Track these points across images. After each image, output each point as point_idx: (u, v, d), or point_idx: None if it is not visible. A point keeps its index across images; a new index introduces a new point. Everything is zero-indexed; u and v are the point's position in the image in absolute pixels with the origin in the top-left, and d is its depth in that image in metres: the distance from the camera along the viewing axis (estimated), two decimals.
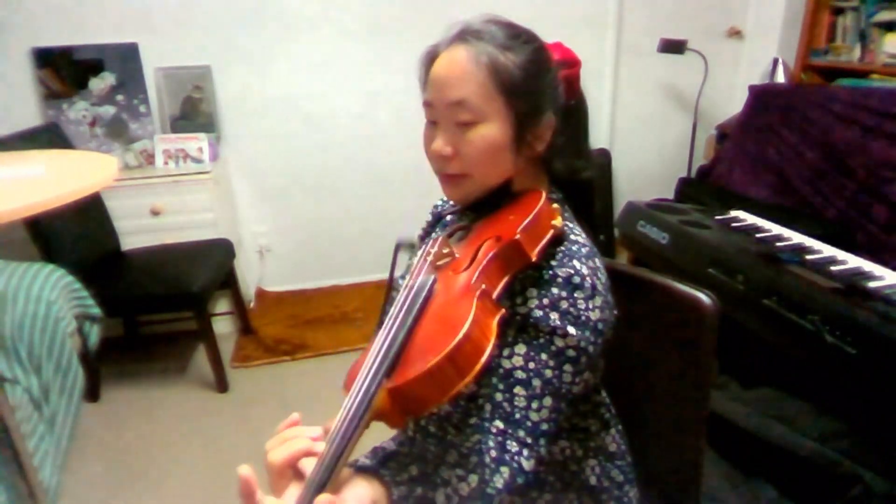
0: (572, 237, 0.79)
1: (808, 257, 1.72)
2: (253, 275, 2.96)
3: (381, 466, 0.70)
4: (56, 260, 1.86)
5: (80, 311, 1.81)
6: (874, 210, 2.04)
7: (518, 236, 0.69)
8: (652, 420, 0.99)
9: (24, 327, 1.61)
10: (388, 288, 0.83)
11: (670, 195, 2.83)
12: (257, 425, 2.08)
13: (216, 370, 2.25)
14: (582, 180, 0.87)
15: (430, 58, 0.81)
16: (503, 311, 0.63)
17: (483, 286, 0.64)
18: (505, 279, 0.69)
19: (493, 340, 0.59)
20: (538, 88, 0.78)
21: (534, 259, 0.70)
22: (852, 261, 1.71)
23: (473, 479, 0.66)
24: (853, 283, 1.52)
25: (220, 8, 2.55)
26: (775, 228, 1.98)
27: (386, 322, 0.66)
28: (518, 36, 0.78)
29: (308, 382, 2.29)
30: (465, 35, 0.77)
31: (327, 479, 0.56)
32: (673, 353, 0.97)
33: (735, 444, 1.56)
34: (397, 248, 0.81)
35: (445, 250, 0.74)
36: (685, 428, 0.97)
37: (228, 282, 2.50)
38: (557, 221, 0.76)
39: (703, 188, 2.70)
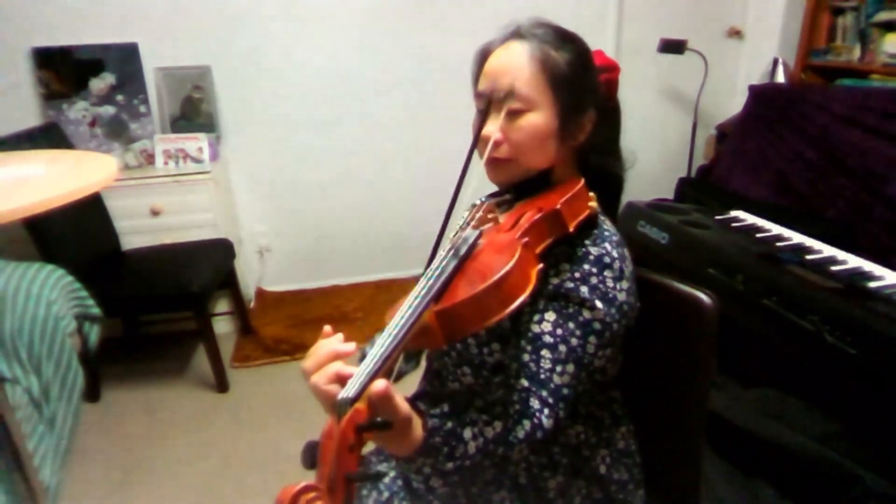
0: (605, 225, 0.86)
1: (808, 257, 1.71)
2: (253, 275, 2.96)
3: (416, 400, 0.74)
4: (56, 260, 1.85)
5: (80, 311, 1.81)
6: (874, 210, 2.03)
7: (559, 207, 0.75)
8: (652, 420, 0.99)
9: (24, 327, 1.61)
10: (450, 208, 0.86)
11: (670, 195, 2.83)
12: (257, 425, 2.08)
13: (216, 370, 2.25)
14: (614, 177, 0.93)
15: (484, 53, 0.89)
16: (542, 265, 0.67)
17: (526, 240, 0.69)
18: (544, 243, 0.74)
19: (532, 286, 0.64)
20: (583, 84, 0.85)
21: (571, 229, 0.76)
22: (852, 261, 1.71)
23: (498, 425, 0.71)
24: (853, 283, 1.52)
25: (220, 8, 2.55)
26: (775, 228, 1.97)
27: (432, 265, 0.71)
28: (566, 37, 0.86)
29: None
30: (520, 32, 0.86)
31: (378, 372, 0.60)
32: (673, 353, 0.97)
33: (735, 444, 1.56)
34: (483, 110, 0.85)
35: (490, 215, 0.81)
36: (685, 428, 0.97)
37: (228, 282, 2.50)
38: (594, 203, 0.82)
39: (703, 188, 2.70)
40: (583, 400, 0.89)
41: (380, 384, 0.58)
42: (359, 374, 0.61)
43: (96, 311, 1.86)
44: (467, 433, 0.69)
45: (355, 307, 2.80)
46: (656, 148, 3.24)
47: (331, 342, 0.70)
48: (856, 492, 1.35)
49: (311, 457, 0.58)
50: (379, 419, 0.57)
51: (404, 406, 0.61)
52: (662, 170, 3.20)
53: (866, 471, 1.36)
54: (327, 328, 0.72)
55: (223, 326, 2.63)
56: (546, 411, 0.72)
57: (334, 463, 0.54)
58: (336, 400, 0.59)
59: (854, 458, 1.39)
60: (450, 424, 0.68)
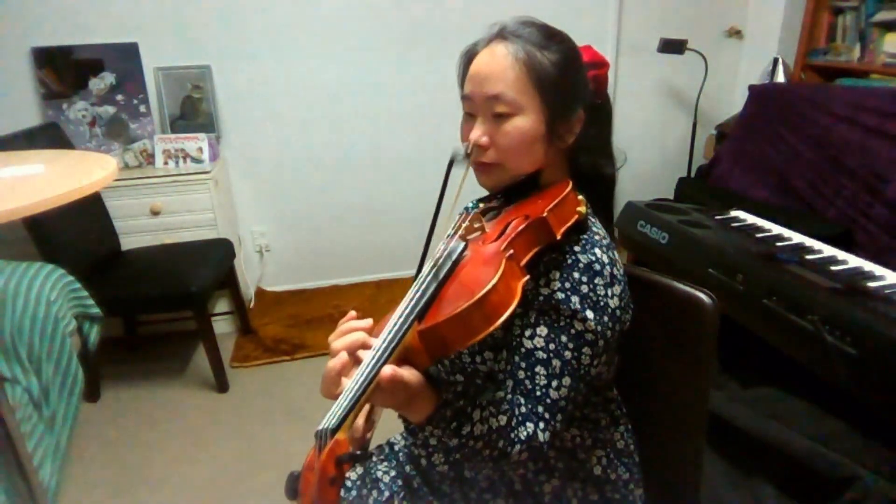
0: (594, 229, 0.84)
1: (808, 257, 1.71)
2: (253, 275, 2.96)
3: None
4: (56, 260, 1.85)
5: (80, 311, 1.81)
6: (874, 210, 2.03)
7: (546, 214, 0.73)
8: (652, 419, 0.99)
9: (24, 327, 1.61)
10: (435, 214, 0.85)
11: (670, 195, 2.83)
12: (257, 425, 2.08)
13: (216, 370, 2.25)
14: (604, 176, 0.91)
15: (470, 55, 0.87)
16: (528, 276, 0.67)
17: (511, 251, 0.68)
18: (531, 252, 0.73)
19: (517, 300, 0.62)
20: (570, 85, 0.83)
21: (559, 237, 0.75)
22: (852, 261, 1.71)
23: (503, 419, 0.72)
24: (853, 283, 1.52)
25: (219, 8, 2.55)
26: (775, 228, 1.97)
27: (417, 280, 0.71)
28: (552, 36, 0.84)
29: (307, 382, 2.29)
30: (504, 34, 0.83)
31: (359, 398, 0.61)
32: (673, 353, 0.97)
33: (735, 444, 1.55)
34: (451, 163, 0.83)
35: (476, 224, 0.80)
36: (685, 428, 0.97)
37: (228, 282, 2.50)
38: (582, 209, 0.80)
39: (702, 188, 2.69)
40: (577, 404, 0.89)
41: (386, 370, 0.60)
42: (339, 403, 0.61)
43: (96, 311, 1.86)
44: (476, 415, 0.70)
45: (355, 307, 2.77)
46: (656, 148, 3.24)
47: (359, 330, 0.72)
48: (856, 492, 1.35)
49: (294, 488, 0.59)
50: (359, 451, 0.59)
51: (415, 377, 0.63)
52: (662, 170, 3.21)
53: (866, 471, 1.36)
54: (352, 312, 0.75)
55: (223, 326, 2.63)
56: (541, 425, 0.73)
57: (315, 496, 0.54)
58: (316, 430, 0.59)
59: (854, 458, 1.38)
60: (461, 402, 0.70)
